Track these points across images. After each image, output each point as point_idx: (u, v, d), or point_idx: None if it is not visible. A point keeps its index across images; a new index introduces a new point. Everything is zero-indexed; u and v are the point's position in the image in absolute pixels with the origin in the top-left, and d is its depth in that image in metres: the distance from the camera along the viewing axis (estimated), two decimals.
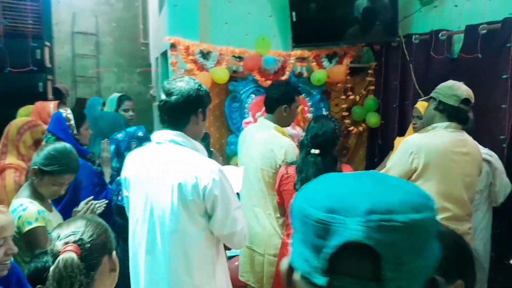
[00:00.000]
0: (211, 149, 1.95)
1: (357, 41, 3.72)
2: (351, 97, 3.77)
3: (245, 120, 3.62)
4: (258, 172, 2.34)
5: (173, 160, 1.64)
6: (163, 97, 1.70)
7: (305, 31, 3.63)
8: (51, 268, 1.06)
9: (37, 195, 1.86)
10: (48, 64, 6.01)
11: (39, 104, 3.23)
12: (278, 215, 2.33)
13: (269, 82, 3.48)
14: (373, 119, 3.71)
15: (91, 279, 1.08)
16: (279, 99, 2.39)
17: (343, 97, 3.78)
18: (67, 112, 2.34)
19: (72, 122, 2.33)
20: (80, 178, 2.08)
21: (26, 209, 1.78)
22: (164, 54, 5.16)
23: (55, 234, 1.14)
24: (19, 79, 5.03)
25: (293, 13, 3.58)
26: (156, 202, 1.63)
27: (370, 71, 3.76)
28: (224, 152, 3.65)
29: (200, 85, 1.72)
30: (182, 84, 1.69)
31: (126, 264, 1.71)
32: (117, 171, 2.24)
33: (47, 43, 6.10)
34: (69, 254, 1.06)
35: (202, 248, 1.65)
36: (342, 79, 3.70)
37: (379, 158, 3.57)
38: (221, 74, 3.44)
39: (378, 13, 3.48)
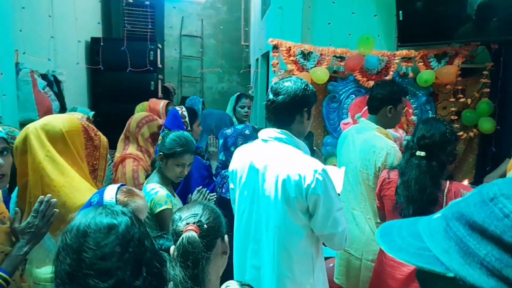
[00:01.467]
0: (314, 148, 1.96)
1: (470, 40, 3.43)
2: (462, 100, 3.49)
3: (343, 121, 3.57)
4: (358, 174, 2.30)
5: (278, 157, 1.69)
6: (271, 96, 1.77)
7: (412, 30, 3.46)
8: (175, 245, 1.18)
9: (164, 181, 2.11)
10: (159, 65, 6.58)
11: (152, 102, 3.55)
12: (379, 220, 2.26)
13: (371, 83, 3.38)
14: (487, 125, 3.39)
15: (207, 259, 1.17)
16: (384, 99, 2.31)
17: (452, 99, 3.51)
18: (182, 110, 2.56)
19: (187, 119, 2.54)
20: (191, 170, 2.27)
21: (157, 193, 2.06)
22: (265, 56, 5.31)
23: (177, 216, 1.26)
24: (136, 78, 5.59)
25: (400, 12, 3.44)
26: (262, 196, 1.70)
27: (485, 72, 3.44)
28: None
29: (307, 85, 1.76)
30: (289, 84, 1.74)
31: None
32: (223, 164, 2.39)
33: (159, 46, 6.68)
34: (191, 233, 1.17)
35: (302, 244, 1.69)
36: (452, 81, 3.44)
37: (492, 167, 3.25)
38: (321, 74, 3.43)
39: (496, 8, 3.17)
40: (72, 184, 1.67)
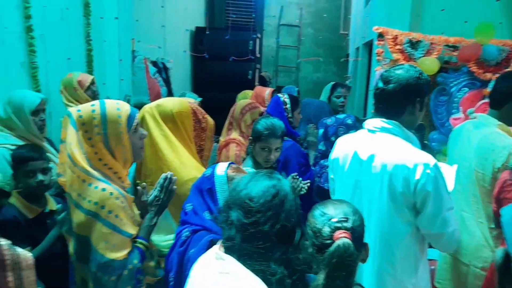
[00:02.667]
0: (425, 141, 1.84)
1: None
2: None
3: (453, 117, 3.29)
4: (472, 174, 2.09)
5: (384, 149, 1.62)
6: (380, 84, 1.69)
7: None
8: (328, 253, 1.07)
9: (256, 166, 2.17)
10: (257, 54, 6.72)
11: (258, 89, 3.64)
12: (493, 226, 2.05)
13: (488, 75, 3.07)
14: None
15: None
16: (510, 94, 2.07)
17: None
18: (284, 97, 2.59)
19: (288, 106, 2.56)
20: (289, 157, 2.30)
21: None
22: (367, 44, 5.12)
23: (319, 211, 1.16)
24: (236, 67, 5.78)
25: None
26: (365, 188, 1.65)
27: None
28: None
29: (421, 73, 1.65)
30: (401, 71, 1.65)
31: None
32: (322, 154, 2.37)
33: (258, 35, 6.81)
34: (348, 241, 1.06)
35: (406, 241, 1.60)
36: None
37: None
38: (430, 64, 3.20)
39: None
40: (180, 160, 1.85)
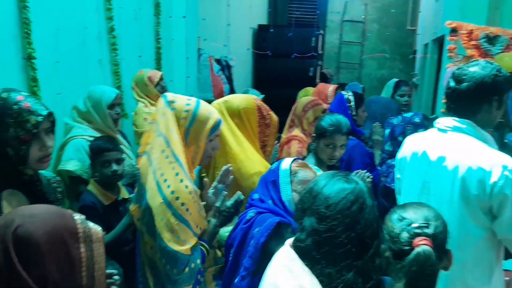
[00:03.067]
0: (505, 141, 1.72)
1: None
2: None
3: None
4: None
5: (456, 149, 1.53)
6: (452, 84, 1.60)
7: None
8: (407, 261, 1.03)
9: (319, 163, 2.16)
10: (320, 51, 6.64)
11: (320, 85, 3.60)
12: None
13: None
14: None
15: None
16: None
17: None
18: (348, 94, 2.55)
19: (352, 103, 2.52)
20: (354, 156, 2.26)
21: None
22: (437, 40, 4.86)
23: (398, 215, 1.11)
24: (297, 64, 5.76)
25: None
26: (434, 190, 1.58)
27: None
28: None
29: (499, 70, 1.54)
30: (476, 69, 1.55)
31: None
32: (389, 154, 2.30)
33: (321, 32, 6.73)
34: (428, 249, 1.01)
35: (480, 247, 1.51)
36: None
37: None
38: (510, 60, 2.96)
39: None
40: (246, 154, 1.94)
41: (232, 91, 5.30)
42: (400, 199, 1.80)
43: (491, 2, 3.24)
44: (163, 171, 1.50)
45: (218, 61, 5.25)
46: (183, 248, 1.48)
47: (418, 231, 1.06)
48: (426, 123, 2.22)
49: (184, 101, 1.61)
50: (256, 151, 2.02)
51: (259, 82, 6.57)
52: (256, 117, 2.06)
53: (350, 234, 0.99)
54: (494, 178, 1.42)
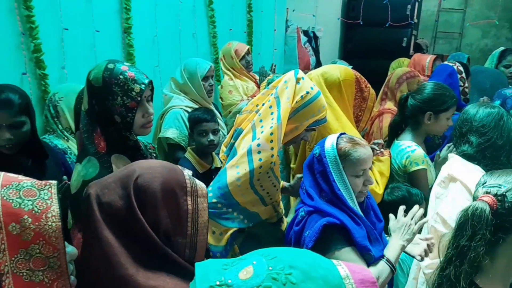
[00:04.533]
0: None
1: None
2: None
3: None
4: None
5: None
6: None
7: None
8: (461, 210, 1.03)
9: (418, 139, 2.03)
10: (415, 20, 6.17)
11: (417, 56, 3.39)
12: None
13: None
14: None
15: (497, 240, 0.99)
16: None
17: None
18: (457, 65, 2.35)
19: (464, 74, 2.32)
20: None
21: (415, 151, 1.99)
22: None
23: (482, 179, 1.10)
24: (389, 33, 5.43)
25: None
26: None
27: None
28: None
29: None
30: None
31: None
32: None
33: None
34: (482, 204, 0.99)
35: None
36: None
37: None
38: None
39: None
40: (344, 130, 1.81)
41: (318, 63, 5.19)
42: None
43: None
44: (263, 117, 1.56)
45: (305, 33, 5.15)
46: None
47: (487, 189, 1.03)
48: None
49: (309, 84, 1.64)
50: (353, 127, 1.94)
51: (348, 53, 6.33)
52: (354, 89, 1.96)
53: (503, 139, 1.60)
54: None
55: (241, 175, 1.51)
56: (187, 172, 1.08)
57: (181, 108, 2.38)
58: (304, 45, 5.02)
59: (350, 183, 1.44)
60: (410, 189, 1.88)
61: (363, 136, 2.90)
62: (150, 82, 1.41)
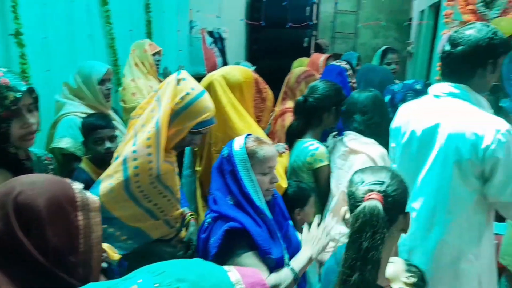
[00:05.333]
0: (500, 105, 1.72)
1: None
2: None
3: None
4: None
5: (450, 115, 1.53)
6: (447, 48, 1.58)
7: None
8: (354, 212, 1.03)
9: (318, 137, 2.14)
10: (314, 21, 6.51)
11: (314, 56, 3.56)
12: None
13: None
14: None
15: (387, 234, 1.01)
16: None
17: None
18: (343, 63, 2.51)
19: (351, 72, 2.49)
20: None
21: (318, 148, 2.06)
22: (434, 6, 4.78)
23: (358, 178, 1.12)
24: (291, 34, 5.66)
25: None
26: (428, 156, 1.58)
27: None
28: None
29: (494, 32, 1.51)
30: (471, 32, 1.52)
31: None
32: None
33: (316, 0, 6.59)
34: (375, 203, 1.01)
35: (470, 210, 1.53)
36: None
37: None
38: (506, 25, 2.91)
39: None
40: (251, 130, 1.83)
41: (225, 63, 5.23)
42: (395, 168, 1.80)
43: None
44: (145, 122, 1.53)
45: (211, 34, 5.15)
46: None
47: (371, 187, 1.06)
48: (426, 90, 2.21)
49: (191, 84, 1.60)
50: (257, 126, 1.95)
51: (253, 53, 6.48)
52: (254, 91, 1.98)
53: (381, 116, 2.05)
54: (487, 142, 1.42)
55: (114, 186, 1.45)
56: (77, 186, 1.00)
57: (75, 115, 2.22)
58: (210, 46, 5.02)
59: (258, 181, 1.46)
60: (300, 184, 1.97)
61: (267, 135, 2.99)
62: (31, 90, 1.29)
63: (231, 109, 1.86)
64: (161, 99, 1.54)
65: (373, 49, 8.40)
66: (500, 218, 1.71)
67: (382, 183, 1.07)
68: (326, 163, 2.05)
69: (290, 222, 1.64)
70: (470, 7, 3.01)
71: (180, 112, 1.55)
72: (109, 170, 1.49)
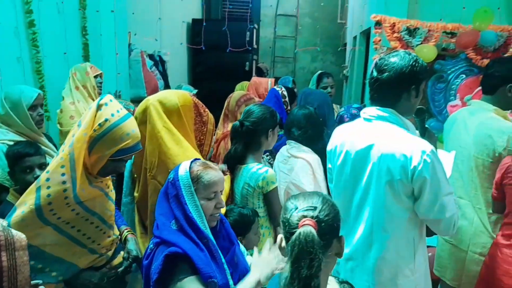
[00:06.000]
0: (426, 126, 1.85)
1: None
2: None
3: (451, 104, 3.29)
4: (470, 160, 2.10)
5: (381, 137, 1.62)
6: (374, 73, 1.68)
7: None
8: (290, 241, 1.03)
9: (260, 159, 2.14)
10: (254, 45, 6.68)
11: (255, 79, 3.62)
12: (491, 211, 2.07)
13: (486, 61, 3.06)
14: None
15: (324, 260, 1.02)
16: (504, 78, 2.07)
17: None
18: (282, 90, 2.59)
19: (287, 99, 2.56)
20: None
21: (268, 171, 2.06)
22: (365, 33, 5.09)
23: (291, 204, 1.13)
24: (233, 58, 5.76)
25: None
26: (362, 177, 1.65)
27: None
28: None
29: (416, 60, 1.62)
30: (395, 59, 1.63)
31: None
32: None
33: (255, 26, 6.77)
34: (309, 229, 1.02)
35: (403, 227, 1.62)
36: None
37: None
38: (428, 52, 3.19)
39: None
40: (186, 154, 1.80)
41: (167, 87, 5.17)
42: (332, 188, 1.87)
43: None
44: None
45: (151, 57, 5.09)
46: None
47: (304, 213, 1.08)
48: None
49: (113, 110, 1.55)
50: (196, 150, 1.92)
51: (196, 77, 6.50)
52: (193, 114, 1.95)
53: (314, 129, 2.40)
54: (414, 162, 1.52)
55: (26, 213, 1.39)
56: (1, 222, 0.93)
57: (2, 143, 2.07)
58: (150, 69, 4.94)
59: (202, 206, 1.45)
60: (241, 211, 1.94)
61: (210, 158, 2.98)
62: None
63: (167, 134, 1.82)
64: (81, 124, 1.50)
65: (311, 72, 8.77)
66: (430, 232, 1.81)
67: (315, 208, 1.09)
68: (276, 184, 2.08)
69: (239, 246, 1.63)
70: (396, 35, 3.25)
71: (99, 139, 1.51)
72: (23, 196, 1.43)
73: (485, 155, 2.04)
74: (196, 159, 1.54)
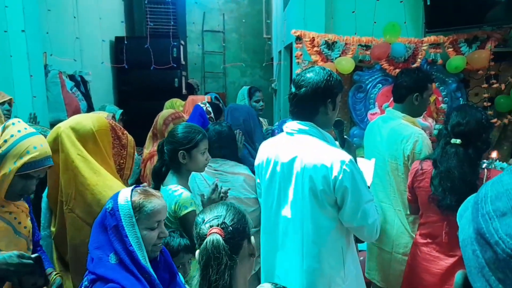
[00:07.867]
0: (345, 136, 1.92)
1: (502, 23, 3.28)
2: (495, 85, 3.34)
3: (370, 112, 3.49)
4: (387, 165, 2.23)
5: (303, 150, 1.66)
6: (293, 89, 1.73)
7: (441, 14, 3.33)
8: (199, 250, 1.11)
9: (183, 182, 2.02)
10: (182, 62, 6.61)
11: (194, 97, 3.58)
12: (408, 213, 2.20)
13: (398, 71, 3.28)
14: None
15: (233, 262, 1.11)
16: (410, 87, 2.24)
17: (485, 85, 3.37)
18: (206, 106, 2.56)
19: (212, 114, 2.54)
20: None
21: (182, 194, 1.93)
22: (288, 48, 5.25)
23: (200, 219, 1.19)
24: (161, 75, 5.63)
25: None
26: (288, 190, 1.68)
27: None
28: None
29: (330, 75, 1.69)
30: (311, 75, 1.69)
31: None
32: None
33: (182, 42, 6.72)
34: (215, 236, 1.10)
35: (331, 237, 1.66)
36: (484, 66, 3.29)
37: None
38: (346, 64, 3.36)
39: None
40: (105, 183, 1.68)
41: (90, 107, 4.93)
42: (262, 202, 1.87)
43: (326, 12, 3.61)
44: None
45: (72, 77, 4.82)
46: None
47: (211, 223, 1.15)
48: None
49: (20, 127, 1.49)
50: (114, 176, 1.77)
51: (121, 96, 6.27)
52: (110, 138, 1.82)
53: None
54: (335, 173, 1.57)
55: None
56: None
57: None
58: (71, 90, 4.68)
59: (145, 237, 1.36)
60: (169, 240, 1.78)
61: (137, 179, 2.86)
62: None
63: (82, 163, 1.68)
64: None
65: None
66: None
67: (220, 216, 1.16)
68: (191, 209, 1.92)
69: (179, 276, 1.55)
70: (315, 49, 3.39)
71: (4, 155, 1.44)
72: None
73: (397, 159, 2.18)
74: (136, 186, 1.45)
